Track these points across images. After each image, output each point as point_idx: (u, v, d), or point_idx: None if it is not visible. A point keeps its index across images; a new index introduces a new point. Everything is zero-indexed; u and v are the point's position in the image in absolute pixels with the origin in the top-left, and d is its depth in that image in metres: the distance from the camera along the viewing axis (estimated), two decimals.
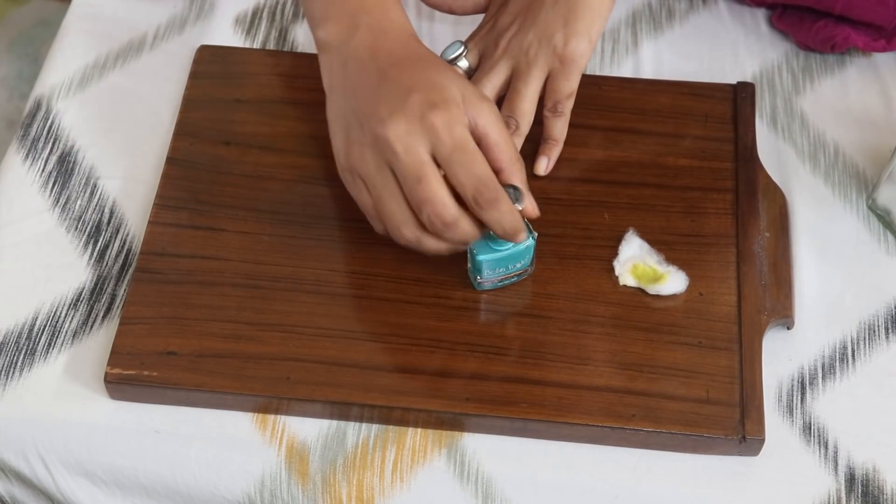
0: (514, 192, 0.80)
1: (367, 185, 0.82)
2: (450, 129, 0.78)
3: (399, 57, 0.82)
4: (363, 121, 0.81)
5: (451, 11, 0.97)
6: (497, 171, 0.80)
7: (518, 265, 0.86)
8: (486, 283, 0.86)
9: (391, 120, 0.78)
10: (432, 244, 0.82)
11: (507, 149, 0.80)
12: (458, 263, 0.88)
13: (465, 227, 0.80)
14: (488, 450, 0.84)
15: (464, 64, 0.92)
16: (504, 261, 0.84)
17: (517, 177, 0.81)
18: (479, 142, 0.80)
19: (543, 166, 0.91)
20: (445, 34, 1.04)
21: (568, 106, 0.91)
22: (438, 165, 0.79)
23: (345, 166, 0.84)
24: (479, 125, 0.80)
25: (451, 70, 0.82)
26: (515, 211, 0.80)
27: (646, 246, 0.89)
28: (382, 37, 0.83)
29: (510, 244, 0.83)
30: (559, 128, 0.91)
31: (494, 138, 0.80)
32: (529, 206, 0.82)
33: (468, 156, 0.78)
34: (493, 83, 0.90)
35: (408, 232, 0.81)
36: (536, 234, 0.84)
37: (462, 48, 0.92)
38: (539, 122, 0.92)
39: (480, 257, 0.83)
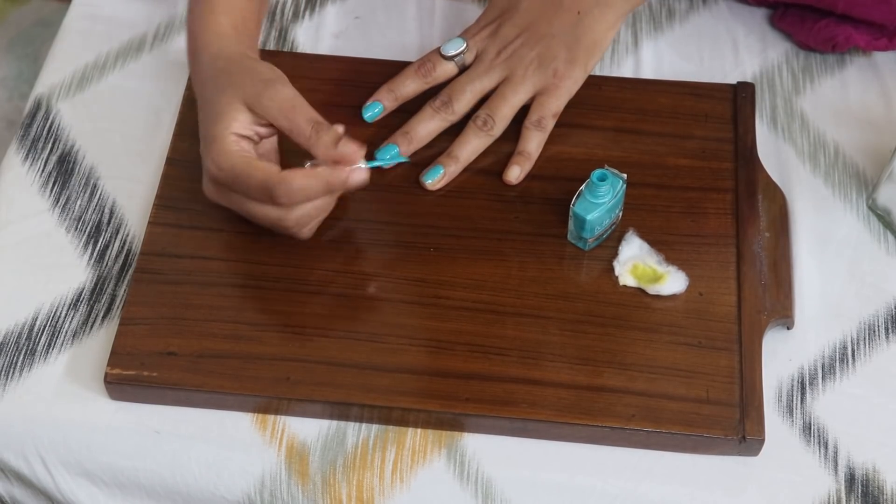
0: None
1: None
2: (219, 166, 0.83)
3: (205, 80, 0.87)
4: None
5: None
6: (304, 147, 0.84)
7: (617, 212, 0.88)
8: (592, 240, 0.88)
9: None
10: (318, 204, 0.85)
11: (299, 123, 0.83)
12: (458, 263, 0.88)
13: (314, 184, 0.83)
14: (488, 450, 0.83)
15: (461, 60, 0.93)
16: (607, 212, 0.86)
17: (320, 148, 0.83)
18: (279, 131, 0.85)
19: (515, 175, 0.92)
20: (447, 21, 1.04)
21: (550, 124, 0.93)
22: None
23: None
24: (271, 119, 0.84)
25: (234, 82, 0.85)
26: (312, 178, 0.82)
27: (646, 246, 0.89)
28: (197, 63, 0.88)
29: (609, 195, 0.85)
30: (536, 143, 0.93)
31: (284, 126, 0.84)
32: (327, 159, 0.84)
33: (242, 179, 0.83)
34: (483, 85, 0.92)
35: (289, 223, 0.85)
36: (626, 175, 0.87)
37: (463, 46, 0.93)
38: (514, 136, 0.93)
39: (589, 216, 0.85)
